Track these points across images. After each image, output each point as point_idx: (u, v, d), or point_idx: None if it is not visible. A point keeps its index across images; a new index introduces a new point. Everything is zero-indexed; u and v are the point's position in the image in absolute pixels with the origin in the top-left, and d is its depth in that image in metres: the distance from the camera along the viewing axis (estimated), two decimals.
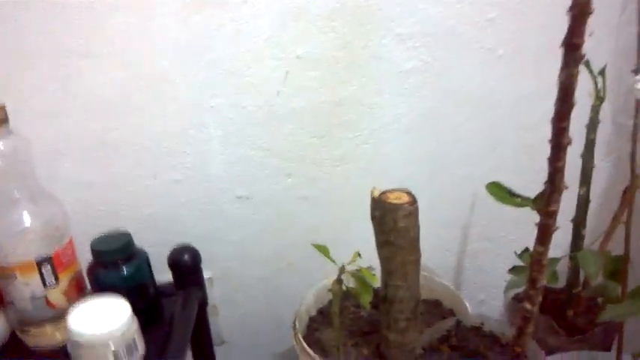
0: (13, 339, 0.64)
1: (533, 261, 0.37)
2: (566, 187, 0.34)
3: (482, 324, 0.50)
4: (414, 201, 0.53)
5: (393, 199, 0.53)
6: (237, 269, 0.84)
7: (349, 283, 0.57)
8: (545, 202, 0.35)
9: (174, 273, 0.69)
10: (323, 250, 0.56)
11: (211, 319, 0.85)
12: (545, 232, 0.35)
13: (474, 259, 0.87)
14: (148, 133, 0.73)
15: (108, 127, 0.72)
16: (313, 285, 0.71)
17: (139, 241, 0.79)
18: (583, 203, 0.61)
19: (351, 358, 0.62)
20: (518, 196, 0.66)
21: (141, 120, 0.72)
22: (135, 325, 0.58)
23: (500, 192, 0.66)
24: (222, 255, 0.82)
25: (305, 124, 0.75)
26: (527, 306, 0.40)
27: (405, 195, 0.54)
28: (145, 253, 0.65)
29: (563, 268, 0.68)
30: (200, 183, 0.77)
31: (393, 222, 0.53)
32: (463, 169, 0.80)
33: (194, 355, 0.76)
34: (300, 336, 0.62)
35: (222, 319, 0.87)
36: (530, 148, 0.80)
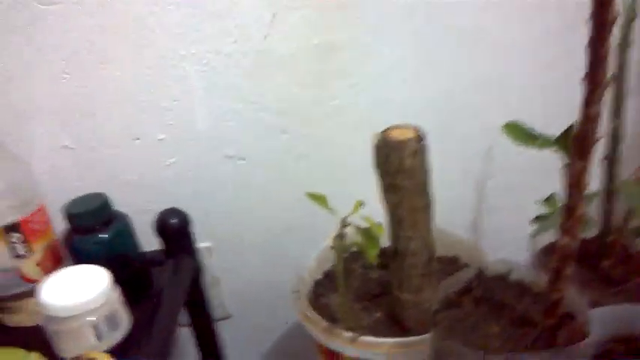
0: None
1: (572, 181, 0.30)
2: (610, 81, 0.27)
3: (508, 272, 0.43)
4: (421, 137, 0.46)
5: (397, 135, 0.46)
6: (234, 236, 0.78)
7: (353, 238, 0.51)
8: (585, 102, 0.28)
9: (161, 239, 0.63)
10: (319, 199, 0.49)
11: (213, 291, 0.79)
12: (583, 143, 0.28)
13: (493, 214, 0.80)
14: (123, 87, 0.66)
15: (77, 84, 0.65)
16: (306, 265, 0.64)
17: (125, 209, 0.73)
18: (616, 137, 0.54)
19: (362, 323, 0.56)
20: (539, 136, 0.59)
21: (114, 73, 0.65)
22: (117, 296, 0.51)
23: (519, 133, 0.58)
24: (218, 222, 0.76)
25: (297, 73, 0.68)
26: (566, 240, 0.33)
27: (412, 131, 0.47)
28: (126, 216, 0.59)
29: (595, 217, 0.61)
30: (186, 142, 0.70)
31: (399, 161, 0.46)
32: (474, 117, 0.73)
33: (194, 330, 0.70)
34: (302, 301, 0.55)
35: (225, 290, 0.81)
36: (547, 88, 0.72)
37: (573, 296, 0.38)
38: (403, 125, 0.48)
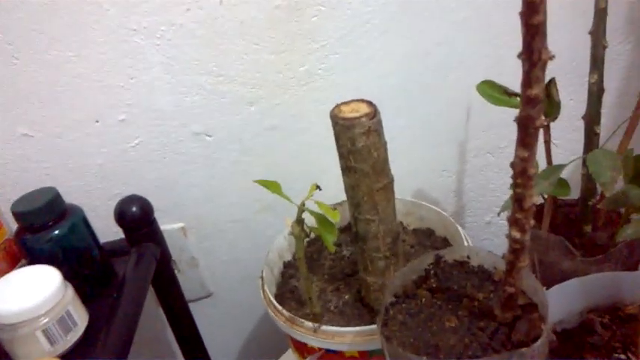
0: None
1: (516, 172, 0.26)
2: (552, 57, 0.23)
3: (468, 257, 0.40)
4: (374, 113, 0.42)
5: (348, 112, 0.42)
6: (209, 215, 0.75)
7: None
8: (523, 82, 0.24)
9: (122, 228, 0.60)
10: (273, 186, 0.46)
11: (192, 271, 0.78)
12: (526, 129, 0.24)
13: (476, 177, 0.76)
14: (76, 68, 0.62)
15: (29, 69, 0.61)
16: (274, 247, 0.61)
17: (93, 196, 0.70)
18: (595, 94, 0.49)
19: (330, 306, 0.53)
20: (516, 94, 0.55)
21: (65, 54, 0.61)
22: (69, 295, 0.49)
23: (494, 92, 0.54)
24: (190, 201, 0.73)
25: (259, 38, 0.63)
26: (516, 234, 0.29)
27: (364, 105, 0.42)
28: (80, 209, 0.56)
29: (577, 176, 0.57)
30: (149, 121, 0.67)
31: (350, 142, 0.42)
32: (454, 74, 0.68)
33: (167, 315, 0.69)
34: (267, 288, 0.53)
35: (204, 269, 0.79)
36: None
37: (534, 284, 0.35)
38: (355, 100, 0.44)
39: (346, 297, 0.54)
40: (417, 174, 0.74)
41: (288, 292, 0.57)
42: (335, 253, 0.61)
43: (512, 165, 0.27)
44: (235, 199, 0.74)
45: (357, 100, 0.43)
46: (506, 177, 0.75)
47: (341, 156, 0.44)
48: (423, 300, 0.38)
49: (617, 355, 0.49)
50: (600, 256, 0.52)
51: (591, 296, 0.54)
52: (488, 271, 0.39)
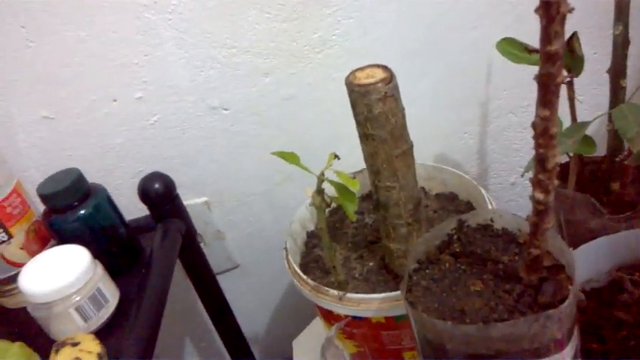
0: None
1: (538, 132, 0.25)
2: (571, 10, 0.22)
3: (491, 221, 0.39)
4: (390, 78, 0.41)
5: (363, 78, 0.41)
6: (231, 189, 0.75)
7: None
8: (542, 38, 0.23)
9: (147, 205, 0.61)
10: (290, 158, 0.45)
11: (218, 244, 0.79)
12: (546, 87, 0.23)
13: (498, 138, 0.74)
14: (90, 48, 0.62)
15: (44, 51, 0.61)
16: (296, 218, 0.61)
17: (116, 175, 0.71)
18: (620, 46, 0.47)
19: (354, 274, 0.54)
20: (537, 51, 0.53)
21: (78, 34, 0.61)
22: (99, 273, 0.50)
23: (515, 49, 0.53)
24: (212, 176, 0.74)
25: (270, 7, 0.62)
26: (539, 196, 0.28)
27: (380, 70, 0.42)
28: (103, 189, 0.57)
29: (603, 132, 0.55)
30: (165, 97, 0.67)
31: (367, 109, 0.41)
32: (473, 33, 0.66)
33: (196, 288, 0.70)
34: (291, 258, 0.53)
35: (230, 242, 0.80)
36: None
37: (560, 245, 0.35)
38: (370, 65, 0.43)
39: (370, 264, 0.54)
40: (438, 138, 0.73)
41: (312, 262, 0.57)
42: (357, 221, 0.61)
43: (534, 125, 0.26)
44: (256, 172, 0.74)
45: (373, 66, 0.42)
46: (529, 136, 0.73)
47: (358, 123, 0.44)
48: (447, 265, 0.38)
49: None
50: (629, 213, 0.51)
51: (620, 254, 0.53)
52: (513, 234, 0.39)
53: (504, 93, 0.70)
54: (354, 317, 0.48)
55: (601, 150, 0.57)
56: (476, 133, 0.74)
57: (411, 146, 0.45)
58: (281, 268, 0.81)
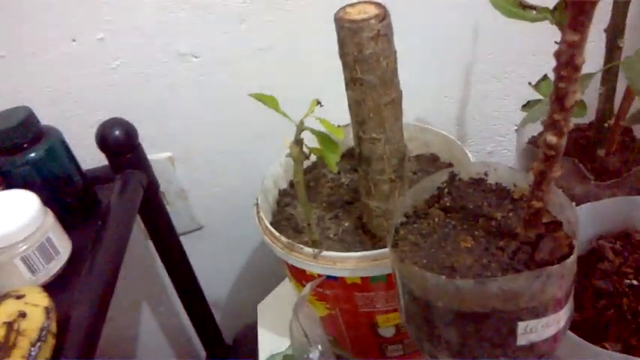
0: None
1: (561, 63, 0.22)
2: None
3: (485, 174, 0.37)
4: (384, 15, 0.37)
5: (355, 14, 0.37)
6: (198, 144, 0.71)
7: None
8: None
9: (106, 154, 0.56)
10: (269, 101, 0.41)
11: (181, 204, 0.74)
12: (580, 5, 0.20)
13: (479, 103, 0.72)
14: None
15: None
16: (269, 174, 0.57)
17: (73, 123, 0.66)
18: (621, 4, 0.45)
19: (329, 234, 0.50)
20: (532, 7, 0.50)
21: None
22: (49, 222, 0.46)
23: (509, 4, 0.50)
24: (178, 130, 0.69)
25: None
26: (552, 139, 0.26)
27: (373, 7, 0.38)
28: (58, 131, 0.52)
29: (590, 100, 0.53)
30: (130, 39, 0.61)
31: (357, 49, 0.38)
32: None
33: (157, 248, 0.66)
34: (263, 214, 0.50)
35: (194, 201, 0.76)
36: None
37: (561, 200, 0.32)
38: (362, 2, 0.39)
39: (346, 224, 0.51)
40: (416, 100, 0.70)
41: (284, 220, 0.54)
42: (333, 180, 0.57)
43: (557, 54, 0.23)
44: (225, 128, 0.70)
45: (365, 2, 0.39)
46: (511, 104, 0.72)
47: (345, 66, 0.40)
48: (436, 220, 0.35)
49: (628, 280, 0.47)
50: (614, 180, 0.49)
51: (603, 222, 0.51)
52: (507, 189, 0.36)
53: (490, 57, 0.68)
54: (328, 277, 0.45)
55: (585, 119, 0.55)
56: (456, 97, 0.71)
57: (401, 95, 0.42)
58: (246, 231, 0.78)
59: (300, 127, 0.43)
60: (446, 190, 0.37)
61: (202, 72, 0.65)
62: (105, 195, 0.56)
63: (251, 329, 0.72)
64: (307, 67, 0.65)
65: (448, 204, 0.36)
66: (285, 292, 0.68)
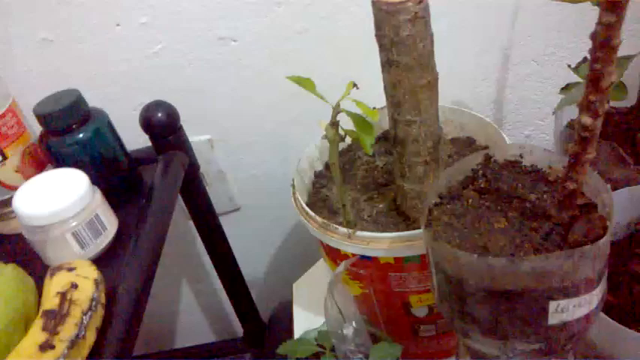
0: None
1: (596, 44, 0.23)
2: None
3: (520, 157, 0.37)
4: None
5: None
6: (236, 127, 0.72)
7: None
8: None
9: (149, 135, 0.59)
10: (306, 83, 0.42)
11: (219, 185, 0.77)
12: None
13: (517, 87, 0.71)
14: None
15: None
16: (305, 156, 0.58)
17: (117, 106, 0.68)
18: None
19: (363, 215, 0.51)
20: None
21: None
22: (97, 199, 0.48)
23: None
24: (217, 112, 0.70)
25: None
26: (587, 120, 0.26)
27: None
28: (105, 113, 0.54)
29: (632, 83, 0.52)
30: (171, 24, 0.63)
31: (394, 31, 0.38)
32: None
33: (197, 227, 0.68)
34: (299, 195, 0.51)
35: (232, 183, 0.78)
36: None
37: (596, 183, 0.32)
38: None
39: (380, 206, 0.52)
40: (454, 82, 0.70)
41: (319, 202, 0.55)
42: (367, 163, 0.58)
43: (593, 35, 0.23)
44: (263, 110, 0.71)
45: None
46: (550, 87, 0.71)
47: (382, 48, 0.41)
48: (470, 201, 0.35)
49: None
50: None
51: None
52: (542, 171, 0.36)
53: (528, 39, 0.67)
54: (362, 257, 0.46)
55: (626, 102, 0.54)
56: (494, 80, 0.70)
57: (437, 77, 0.42)
58: (283, 212, 0.80)
59: (336, 110, 0.44)
60: (480, 171, 0.37)
61: (241, 55, 0.66)
62: (148, 175, 0.58)
63: (286, 307, 0.73)
64: (343, 50, 0.66)
65: (482, 185, 0.36)
66: (320, 271, 0.70)
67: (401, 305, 0.50)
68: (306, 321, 0.61)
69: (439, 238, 0.33)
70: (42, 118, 0.50)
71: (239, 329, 0.85)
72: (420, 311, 0.50)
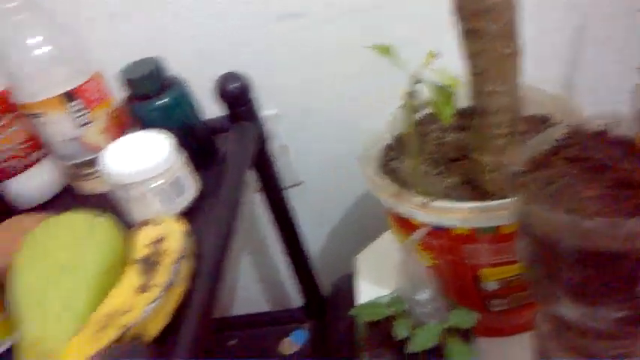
0: (68, 188, 0.60)
1: None
2: None
3: (608, 127, 0.36)
4: None
5: None
6: (302, 102, 0.73)
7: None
8: None
9: (223, 104, 0.60)
10: (386, 51, 0.43)
11: (283, 160, 0.78)
12: None
13: (593, 66, 0.69)
14: None
15: None
16: (377, 127, 0.59)
17: (190, 77, 0.70)
18: None
19: (435, 189, 0.52)
20: None
21: None
22: (181, 160, 0.50)
23: None
24: (283, 88, 0.71)
25: None
26: None
27: None
28: (184, 81, 0.56)
29: None
30: None
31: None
32: None
33: (266, 199, 0.70)
34: (370, 164, 0.52)
35: (295, 158, 0.79)
36: None
37: None
38: None
39: (450, 180, 0.52)
40: (532, 59, 0.68)
41: (388, 174, 0.55)
42: (437, 139, 0.58)
43: None
44: (329, 87, 0.72)
45: None
46: (626, 67, 0.68)
47: (464, 18, 0.40)
48: (556, 170, 0.35)
49: None
50: None
51: None
52: (633, 142, 0.36)
53: (604, 20, 0.65)
54: (436, 227, 0.46)
55: None
56: (569, 59, 0.69)
57: (521, 50, 0.42)
58: (345, 187, 0.81)
59: (415, 79, 0.44)
60: (566, 141, 0.37)
61: (308, 30, 0.67)
62: (220, 143, 0.60)
63: (346, 280, 0.75)
64: (417, 28, 0.66)
65: (568, 155, 0.36)
66: (384, 245, 0.70)
67: (471, 278, 0.50)
68: (370, 292, 0.62)
69: (530, 202, 0.33)
70: (127, 83, 0.52)
71: (295, 303, 0.87)
72: (490, 285, 0.50)
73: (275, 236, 0.76)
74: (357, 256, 0.71)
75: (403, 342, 0.46)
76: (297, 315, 0.82)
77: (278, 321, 0.82)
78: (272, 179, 0.67)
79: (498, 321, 0.53)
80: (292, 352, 0.77)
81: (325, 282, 0.82)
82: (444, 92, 0.42)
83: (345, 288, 0.73)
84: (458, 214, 0.44)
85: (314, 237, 0.86)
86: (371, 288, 0.63)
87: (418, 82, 0.44)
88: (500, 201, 0.43)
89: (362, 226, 0.83)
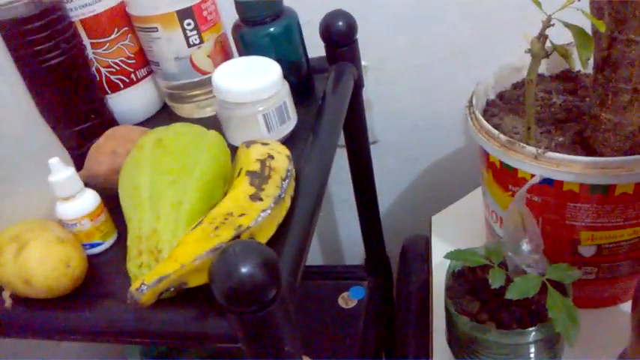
0: (165, 110, 0.61)
1: None
2: None
3: None
4: None
5: None
6: (393, 58, 0.72)
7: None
8: None
9: (326, 42, 0.60)
10: None
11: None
12: None
13: None
14: None
15: None
16: (482, 81, 0.57)
17: None
18: None
19: (541, 146, 0.50)
20: None
21: None
22: (286, 89, 0.50)
23: None
24: (375, 41, 0.70)
25: None
26: None
27: None
28: (295, 12, 0.55)
29: None
30: None
31: None
32: None
33: (350, 150, 0.69)
34: (477, 114, 0.50)
35: (376, 114, 0.78)
36: None
37: None
38: None
39: (559, 139, 0.50)
40: None
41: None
42: (542, 99, 0.56)
43: None
44: (423, 42, 0.70)
45: None
46: None
47: None
48: None
49: None
50: None
51: None
52: None
53: None
54: (544, 181, 0.45)
55: None
56: None
57: None
58: (420, 149, 0.79)
59: (547, 22, 0.42)
60: None
61: None
62: (319, 83, 0.59)
63: (416, 241, 0.74)
64: None
65: None
66: (461, 208, 0.69)
67: (568, 241, 0.48)
68: (445, 252, 0.61)
69: None
70: (240, 6, 0.52)
71: (355, 260, 0.87)
72: (587, 250, 0.48)
73: (349, 191, 0.75)
74: (433, 217, 0.70)
75: (489, 292, 0.45)
76: (357, 272, 0.82)
77: (338, 275, 0.82)
78: (360, 127, 0.66)
79: (583, 291, 0.51)
80: (350, 307, 0.78)
81: (389, 243, 0.81)
82: (584, 36, 0.41)
83: (415, 247, 0.72)
84: (574, 167, 0.43)
85: (384, 199, 0.85)
86: (447, 249, 0.62)
87: (549, 26, 0.42)
88: (622, 158, 0.42)
89: (435, 191, 0.82)
